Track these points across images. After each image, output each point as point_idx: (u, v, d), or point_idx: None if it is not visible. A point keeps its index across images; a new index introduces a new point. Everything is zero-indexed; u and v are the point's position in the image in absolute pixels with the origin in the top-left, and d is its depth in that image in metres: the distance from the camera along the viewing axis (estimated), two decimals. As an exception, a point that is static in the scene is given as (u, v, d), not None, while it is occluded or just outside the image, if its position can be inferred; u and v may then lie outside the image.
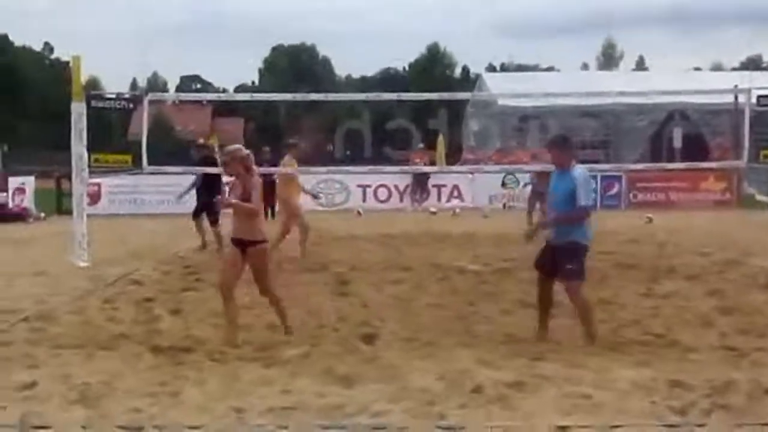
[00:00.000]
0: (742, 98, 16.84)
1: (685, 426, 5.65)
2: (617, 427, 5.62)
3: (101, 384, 6.64)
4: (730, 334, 8.29)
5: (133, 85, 71.23)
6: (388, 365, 7.21)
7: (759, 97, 15.42)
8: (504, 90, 34.84)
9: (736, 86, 20.53)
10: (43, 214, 24.47)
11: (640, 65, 79.06)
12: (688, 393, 6.29)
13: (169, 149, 50.42)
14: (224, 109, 68.01)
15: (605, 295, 10.19)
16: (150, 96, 16.53)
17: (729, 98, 25.21)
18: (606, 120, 34.12)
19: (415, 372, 6.94)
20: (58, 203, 25.36)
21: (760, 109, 16.27)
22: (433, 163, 28.31)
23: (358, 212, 23.81)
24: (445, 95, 20.55)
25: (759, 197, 26.73)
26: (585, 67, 75.28)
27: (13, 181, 24.80)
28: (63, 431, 5.63)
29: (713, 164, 23.06)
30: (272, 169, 22.15)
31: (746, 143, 15.15)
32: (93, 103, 14.34)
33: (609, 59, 78.55)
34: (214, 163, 15.62)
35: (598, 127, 34.31)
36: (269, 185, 23.71)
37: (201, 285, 11.31)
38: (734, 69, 63.54)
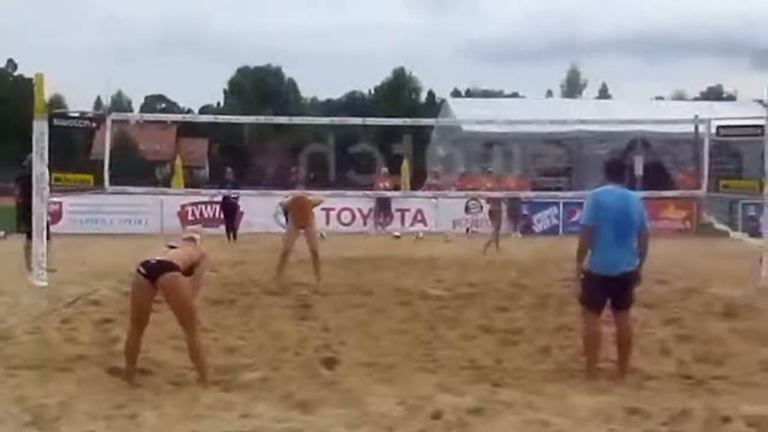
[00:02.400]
0: (702, 128, 17.03)
1: (642, 454, 5.69)
2: (575, 454, 5.65)
3: (57, 406, 6.55)
4: (687, 362, 8.36)
5: (98, 103, 70.57)
6: (348, 390, 7.19)
7: (718, 127, 15.64)
8: (468, 116, 34.98)
9: (696, 116, 20.78)
10: (2, 233, 24.13)
11: (604, 93, 79.65)
12: (646, 420, 6.33)
13: (132, 169, 50.15)
14: (189, 129, 67.64)
15: (565, 321, 10.22)
16: (113, 115, 16.42)
17: (690, 128, 25.49)
18: (569, 147, 34.38)
19: (374, 397, 6.93)
20: (18, 222, 25.02)
21: (719, 140, 16.51)
22: (397, 188, 28.36)
23: (321, 235, 23.69)
24: (409, 121, 20.58)
25: (718, 226, 27.03)
26: (549, 94, 75.90)
27: (-28, 199, 24.45)
28: (16, 454, 5.55)
29: (673, 193, 23.30)
30: (237, 192, 22.23)
31: (705, 173, 15.35)
32: (55, 121, 14.19)
33: (573, 86, 79.24)
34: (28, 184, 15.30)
35: (561, 154, 34.58)
36: (230, 207, 23.75)
37: (160, 307, 11.16)
38: (696, 99, 64.35)
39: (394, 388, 7.24)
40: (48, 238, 14.40)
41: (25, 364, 7.98)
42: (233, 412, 6.49)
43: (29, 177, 14.47)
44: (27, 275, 14.10)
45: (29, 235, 14.64)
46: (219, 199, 24.44)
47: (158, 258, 7.46)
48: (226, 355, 8.58)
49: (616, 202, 7.82)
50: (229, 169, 25.70)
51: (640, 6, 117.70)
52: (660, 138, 32.85)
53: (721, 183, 15.89)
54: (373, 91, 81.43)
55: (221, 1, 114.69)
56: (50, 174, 13.85)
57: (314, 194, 15.44)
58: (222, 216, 24.57)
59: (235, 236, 23.46)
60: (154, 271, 7.34)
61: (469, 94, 76.16)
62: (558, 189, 30.43)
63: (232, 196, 23.03)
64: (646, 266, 7.90)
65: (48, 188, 13.89)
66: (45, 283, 13.28)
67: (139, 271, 7.42)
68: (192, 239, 7.96)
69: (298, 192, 15.09)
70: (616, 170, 8.33)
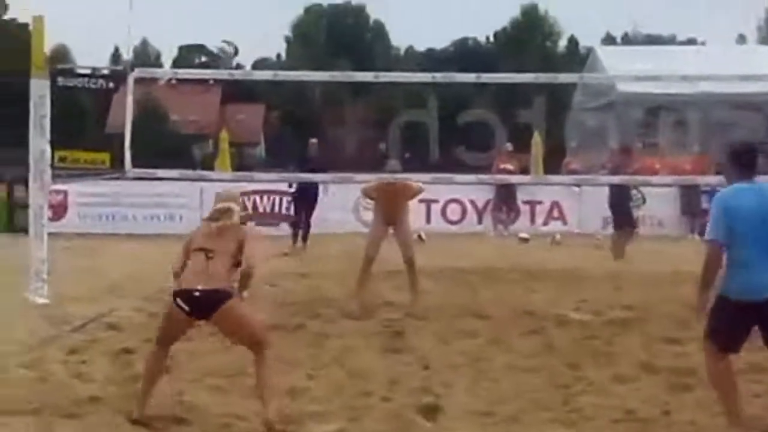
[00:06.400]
0: None
1: None
2: None
3: (62, 465, 6.74)
4: None
5: (115, 57, 71.92)
6: (456, 449, 7.25)
7: None
8: (625, 71, 34.69)
9: None
10: (-8, 231, 24.73)
11: (820, 38, 78.30)
12: None
13: (163, 146, 50.99)
14: (238, 91, 68.37)
15: (759, 358, 10.09)
16: (136, 72, 16.70)
17: None
18: (769, 113, 33.92)
19: (491, 459, 6.99)
20: (10, 217, 25.57)
21: None
22: (525, 171, 28.29)
23: (420, 237, 23.84)
24: (543, 77, 20.52)
25: None
26: (741, 39, 74.89)
27: (-49, 188, 25.11)
28: None
29: None
30: (306, 176, 22.32)
31: None
32: (60, 80, 14.46)
33: (774, 29, 78.08)
34: None
35: (760, 122, 34.07)
36: (307, 198, 23.53)
37: (196, 333, 11.32)
38: None
39: (518, 448, 7.29)
40: None
41: (20, 408, 8.18)
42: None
43: None
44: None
45: None
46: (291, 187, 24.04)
47: (202, 288, 7.62)
48: (291, 399, 8.69)
49: (753, 205, 7.77)
50: (312, 141, 25.24)
51: None
52: None
53: None
54: (492, 39, 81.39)
55: None
56: (53, 152, 14.10)
57: (410, 179, 15.42)
58: (293, 211, 24.16)
59: (305, 238, 23.16)
60: (200, 307, 7.60)
61: (627, 41, 75.56)
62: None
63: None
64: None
65: (50, 171, 14.13)
66: (46, 300, 13.55)
67: (179, 306, 7.61)
68: (229, 211, 8.06)
69: (387, 176, 15.15)
70: (748, 159, 8.13)
